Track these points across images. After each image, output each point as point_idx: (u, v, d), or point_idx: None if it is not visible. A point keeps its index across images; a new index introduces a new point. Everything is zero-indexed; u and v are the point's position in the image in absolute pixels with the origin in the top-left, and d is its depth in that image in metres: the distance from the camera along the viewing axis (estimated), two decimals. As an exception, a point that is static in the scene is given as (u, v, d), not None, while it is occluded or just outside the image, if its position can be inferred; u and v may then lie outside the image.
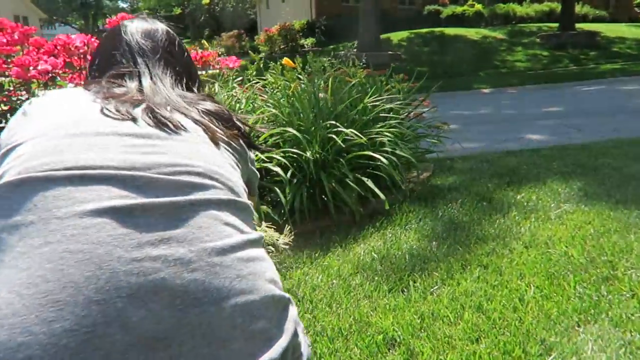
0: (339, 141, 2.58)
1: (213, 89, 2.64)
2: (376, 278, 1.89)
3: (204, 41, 2.93)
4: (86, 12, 37.95)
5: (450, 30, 15.70)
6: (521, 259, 1.95)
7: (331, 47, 16.40)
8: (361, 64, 3.47)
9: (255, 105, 2.81)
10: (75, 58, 2.27)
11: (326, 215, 2.62)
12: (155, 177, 0.76)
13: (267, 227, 2.01)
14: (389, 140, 2.88)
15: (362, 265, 2.03)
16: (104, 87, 0.97)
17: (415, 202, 2.85)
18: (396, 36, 15.71)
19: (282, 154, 2.58)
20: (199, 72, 3.15)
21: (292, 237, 2.45)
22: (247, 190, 0.95)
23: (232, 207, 0.81)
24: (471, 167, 3.76)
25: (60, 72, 2.18)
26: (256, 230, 0.91)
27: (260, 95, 2.83)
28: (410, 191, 3.10)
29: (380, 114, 3.08)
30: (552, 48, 14.00)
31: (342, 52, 15.03)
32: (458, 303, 1.62)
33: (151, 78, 1.02)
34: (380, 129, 2.95)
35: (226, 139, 0.94)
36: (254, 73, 3.03)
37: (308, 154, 2.52)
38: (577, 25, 15.29)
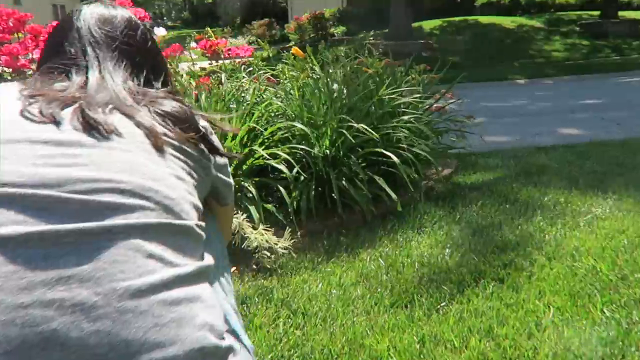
0: (349, 136, 2.41)
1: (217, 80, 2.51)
2: (379, 289, 1.73)
3: (207, 28, 2.80)
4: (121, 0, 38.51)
5: (485, 19, 15.17)
6: (542, 273, 1.75)
7: (361, 35, 16.09)
8: (379, 52, 3.26)
9: (264, 96, 2.67)
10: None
11: (335, 215, 2.46)
12: (65, 197, 0.62)
13: (264, 229, 1.87)
14: (405, 136, 2.70)
15: (366, 274, 1.87)
16: (38, 83, 0.84)
17: (432, 202, 2.66)
18: (428, 24, 15.29)
19: (288, 150, 2.44)
20: (212, 63, 3.05)
21: (298, 238, 2.31)
22: (200, 208, 0.81)
23: (165, 232, 0.67)
24: (497, 163, 3.53)
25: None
26: (203, 257, 0.76)
27: (269, 87, 2.68)
28: (428, 190, 2.91)
29: (398, 108, 2.89)
30: (592, 37, 13.34)
31: (371, 40, 14.74)
32: (466, 325, 1.45)
33: (100, 71, 0.88)
34: (396, 124, 2.76)
35: (177, 143, 0.80)
36: (262, 63, 2.89)
37: (316, 150, 2.36)
38: (620, 13, 14.52)
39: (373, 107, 2.78)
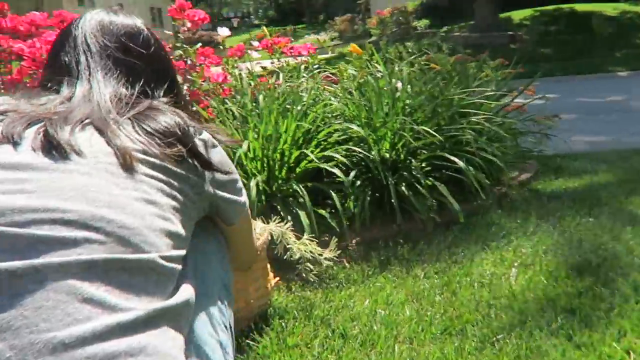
0: (410, 139, 2.24)
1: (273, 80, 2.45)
2: (429, 313, 1.56)
3: (264, 27, 2.74)
4: (212, 1, 40.32)
5: (582, 6, 13.99)
6: (626, 306, 1.49)
7: (446, 28, 15.53)
8: (449, 47, 3.03)
9: (323, 96, 2.56)
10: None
11: (394, 223, 2.31)
12: (0, 230, 0.55)
13: (309, 239, 1.77)
14: (474, 139, 2.47)
15: (417, 293, 1.71)
16: (20, 97, 0.79)
17: (504, 211, 2.42)
18: (518, 15, 14.39)
19: (344, 153, 2.32)
20: (274, 62, 2.98)
21: (353, 246, 2.20)
22: (180, 234, 0.72)
23: (114, 270, 0.58)
24: (584, 168, 3.17)
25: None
26: (175, 293, 0.67)
27: (328, 86, 2.57)
28: (501, 197, 2.66)
29: (467, 107, 2.66)
30: None
31: (455, 33, 14.11)
32: (523, 365, 1.25)
33: (89, 82, 0.82)
34: (466, 125, 2.54)
35: (158, 161, 0.71)
36: (322, 61, 2.78)
37: (373, 153, 2.21)
38: None
39: (439, 107, 2.58)
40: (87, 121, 0.72)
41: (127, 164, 0.67)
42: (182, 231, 0.72)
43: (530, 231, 2.14)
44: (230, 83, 2.50)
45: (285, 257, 1.69)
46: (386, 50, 2.90)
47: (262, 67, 2.88)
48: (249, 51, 2.94)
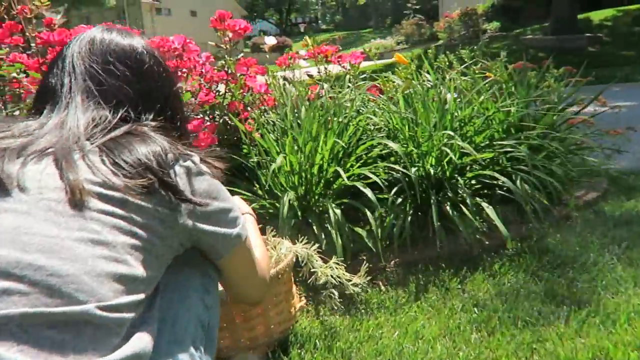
0: (453, 156, 2.08)
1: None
2: (462, 353, 1.41)
3: (306, 37, 2.66)
4: (280, 7, 41.08)
5: (673, 5, 12.86)
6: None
7: (517, 31, 14.84)
8: (504, 54, 2.81)
9: (368, 107, 2.45)
10: (173, 60, 2.20)
11: (437, 246, 2.15)
12: None
13: (336, 263, 1.67)
14: (530, 156, 2.26)
15: (452, 328, 1.56)
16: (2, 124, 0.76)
17: (562, 237, 2.19)
18: (597, 15, 13.48)
19: (386, 169, 2.20)
20: (321, 71, 2.90)
21: (391, 268, 2.07)
22: (138, 277, 0.65)
23: (34, 326, 0.51)
24: (663, 189, 2.84)
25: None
26: (117, 349, 0.60)
27: (372, 98, 2.46)
28: (561, 219, 2.42)
29: (524, 120, 2.45)
30: None
31: (530, 36, 13.41)
32: None
33: (67, 106, 0.78)
34: (521, 140, 2.34)
35: (118, 194, 0.65)
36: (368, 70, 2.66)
37: (413, 170, 2.08)
38: None
39: (492, 120, 2.39)
40: (48, 151, 0.67)
41: (76, 200, 0.61)
42: (140, 272, 0.65)
43: (589, 262, 1.91)
44: (273, 93, 2.45)
45: (309, 281, 1.61)
46: (435, 57, 2.74)
47: (309, 75, 2.81)
48: (297, 60, 2.88)
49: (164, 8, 31.08)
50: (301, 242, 1.67)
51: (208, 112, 2.39)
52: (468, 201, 2.10)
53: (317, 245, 1.95)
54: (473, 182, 2.35)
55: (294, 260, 1.58)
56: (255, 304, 1.35)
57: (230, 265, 0.88)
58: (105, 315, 0.57)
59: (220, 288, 1.00)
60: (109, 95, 0.80)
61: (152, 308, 0.70)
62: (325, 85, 2.42)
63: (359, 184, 1.99)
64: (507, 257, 2.02)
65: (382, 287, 1.92)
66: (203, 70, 2.32)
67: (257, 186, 2.21)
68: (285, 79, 2.69)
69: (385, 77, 2.58)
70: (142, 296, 0.65)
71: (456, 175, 2.21)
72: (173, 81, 0.93)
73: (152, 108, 0.84)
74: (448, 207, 2.14)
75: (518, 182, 2.24)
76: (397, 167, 2.10)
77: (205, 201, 0.77)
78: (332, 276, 1.62)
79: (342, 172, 1.92)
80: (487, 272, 1.93)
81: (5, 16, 2.06)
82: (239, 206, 1.36)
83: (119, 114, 0.78)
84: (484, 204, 2.08)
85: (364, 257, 2.13)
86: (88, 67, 0.81)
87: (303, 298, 1.83)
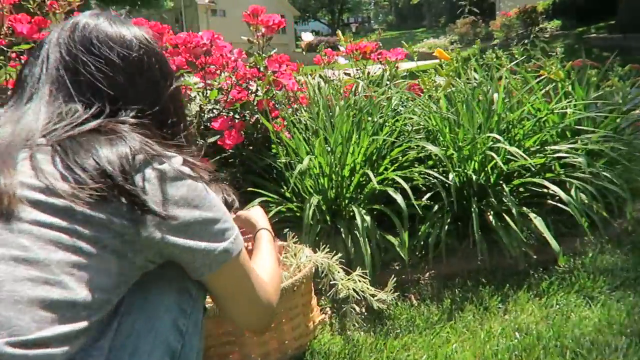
0: (499, 161, 1.88)
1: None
2: (496, 386, 1.24)
3: (338, 32, 2.52)
4: (333, 7, 41.10)
5: None
6: None
7: (580, 29, 14.08)
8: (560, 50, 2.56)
9: (407, 107, 2.28)
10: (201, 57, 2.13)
11: (478, 258, 1.96)
12: None
13: (360, 276, 1.53)
14: (588, 162, 2.03)
15: (488, 354, 1.38)
16: None
17: (622, 253, 1.95)
18: (671, 12, 12.50)
19: (420, 174, 2.03)
20: (359, 69, 2.76)
21: (426, 280, 1.92)
22: (75, 302, 0.54)
23: None
24: None
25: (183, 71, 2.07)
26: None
27: (411, 97, 2.29)
28: (623, 234, 2.17)
29: (581, 124, 2.21)
30: None
31: (593, 35, 12.65)
32: None
33: (30, 99, 0.69)
34: (577, 145, 2.11)
35: (62, 203, 0.55)
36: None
37: (451, 176, 1.90)
38: None
39: (544, 122, 2.17)
40: None
41: (3, 209, 0.51)
42: (82, 296, 0.54)
43: (653, 284, 1.68)
44: (307, 91, 2.33)
45: (329, 294, 1.48)
46: (479, 54, 2.53)
47: (346, 74, 2.68)
48: (336, 57, 2.76)
49: (219, 9, 31.74)
50: (323, 250, 1.55)
51: (239, 111, 2.31)
52: (514, 211, 1.90)
53: (344, 253, 1.83)
54: (521, 189, 2.14)
55: (313, 270, 1.46)
56: (255, 332, 1.23)
57: (217, 284, 0.76)
58: (20, 354, 0.47)
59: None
60: (84, 87, 0.71)
61: (103, 337, 0.59)
62: (362, 83, 2.28)
63: (390, 189, 1.84)
64: (557, 275, 1.80)
65: (414, 301, 1.76)
66: (233, 66, 2.23)
67: (285, 188, 2.10)
68: (322, 77, 2.57)
69: (425, 74, 2.40)
70: (83, 324, 0.54)
71: (501, 182, 2.01)
72: (169, 78, 0.82)
73: (135, 104, 0.74)
74: (491, 217, 1.95)
75: (573, 190, 2.02)
76: (431, 171, 1.92)
77: (176, 211, 0.66)
78: (354, 289, 1.49)
79: (372, 176, 1.78)
80: (532, 291, 1.72)
81: (38, 12, 2.05)
82: (256, 218, 1.23)
83: (93, 109, 0.69)
84: (532, 214, 1.88)
85: (397, 267, 1.98)
86: (64, 55, 0.72)
87: (328, 310, 1.70)
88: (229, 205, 1.43)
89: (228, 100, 2.21)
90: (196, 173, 0.71)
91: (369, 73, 2.48)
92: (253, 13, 2.17)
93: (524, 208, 1.94)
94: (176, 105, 0.82)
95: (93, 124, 0.67)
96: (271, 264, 0.99)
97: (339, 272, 1.49)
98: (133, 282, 0.66)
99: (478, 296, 1.73)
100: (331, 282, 1.48)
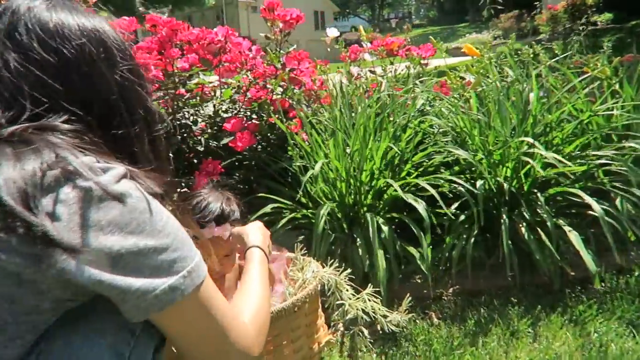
0: (536, 166, 1.70)
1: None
2: None
3: (360, 27, 2.37)
4: (373, 3, 40.67)
5: None
6: None
7: (633, 22, 13.32)
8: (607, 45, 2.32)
9: (432, 107, 2.12)
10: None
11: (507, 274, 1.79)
12: None
13: (371, 294, 1.39)
14: (635, 171, 1.82)
15: (511, 390, 1.22)
16: None
17: (674, 274, 1.74)
18: None
19: (446, 180, 1.87)
20: (387, 67, 2.60)
21: (449, 296, 1.77)
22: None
23: None
24: None
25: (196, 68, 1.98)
26: None
27: (438, 96, 2.13)
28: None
29: (629, 128, 1.99)
30: None
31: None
32: None
33: None
34: (624, 152, 1.89)
35: None
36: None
37: (478, 184, 1.73)
38: None
39: (587, 125, 1.97)
40: None
41: None
42: None
43: None
44: (327, 90, 2.21)
45: (336, 315, 1.35)
46: (516, 51, 2.33)
47: (371, 71, 2.53)
48: (362, 54, 2.62)
49: (260, 7, 31.97)
50: (331, 265, 1.42)
51: (256, 111, 2.20)
52: (549, 222, 1.71)
53: (361, 264, 1.70)
54: (558, 198, 1.95)
55: (319, 288, 1.33)
56: None
57: (168, 326, 0.63)
58: None
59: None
60: (4, 86, 0.60)
61: None
62: (384, 82, 2.13)
63: (410, 197, 1.69)
64: (596, 297, 1.62)
65: (435, 320, 1.62)
66: (252, 64, 2.13)
67: (300, 193, 1.98)
68: (348, 74, 2.44)
69: (454, 72, 2.23)
70: None
71: (535, 191, 1.83)
72: (119, 71, 0.69)
73: (70, 104, 0.63)
74: (523, 228, 1.77)
75: (618, 201, 1.81)
76: (456, 178, 1.76)
77: (101, 239, 0.53)
78: (363, 310, 1.35)
79: (393, 182, 1.63)
80: (567, 314, 1.54)
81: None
82: (247, 234, 1.09)
83: (11, 112, 0.58)
84: (567, 227, 1.69)
85: (418, 280, 1.83)
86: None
87: (341, 326, 1.58)
88: (225, 217, 1.33)
89: (247, 99, 2.11)
90: (144, 188, 0.59)
91: (395, 70, 2.32)
92: (269, 7, 2.05)
93: (561, 220, 1.75)
94: (131, 112, 0.70)
95: (6, 131, 0.56)
96: (256, 296, 0.84)
97: (347, 290, 1.36)
98: (48, 324, 0.55)
99: (505, 318, 1.57)
100: (337, 303, 1.35)
